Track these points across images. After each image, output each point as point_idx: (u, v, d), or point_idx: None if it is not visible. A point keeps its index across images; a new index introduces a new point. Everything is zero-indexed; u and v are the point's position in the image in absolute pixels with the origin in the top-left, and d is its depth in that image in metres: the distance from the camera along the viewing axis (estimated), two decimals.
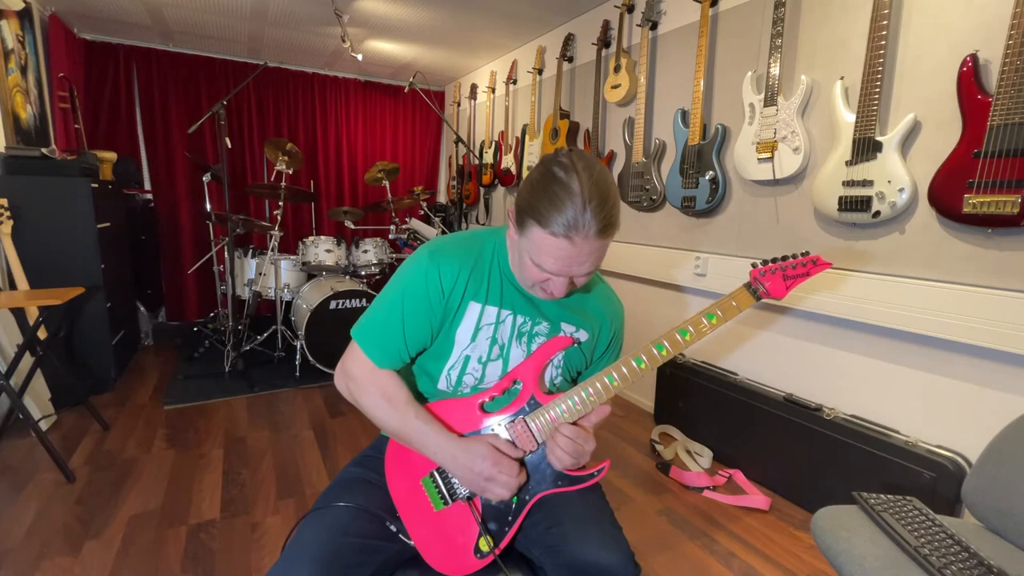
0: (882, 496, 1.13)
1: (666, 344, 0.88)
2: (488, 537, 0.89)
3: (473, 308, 0.94)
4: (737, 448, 2.17)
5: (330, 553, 0.81)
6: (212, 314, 3.97)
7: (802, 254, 0.89)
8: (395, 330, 0.93)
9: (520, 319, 0.96)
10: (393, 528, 0.91)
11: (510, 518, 0.91)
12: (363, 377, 0.94)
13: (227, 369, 3.09)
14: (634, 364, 0.87)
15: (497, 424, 0.92)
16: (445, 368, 0.96)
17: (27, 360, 2.22)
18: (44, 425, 2.26)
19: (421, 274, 0.91)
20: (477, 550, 0.89)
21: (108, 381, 2.81)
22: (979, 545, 0.98)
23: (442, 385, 0.97)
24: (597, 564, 0.84)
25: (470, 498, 0.91)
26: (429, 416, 0.92)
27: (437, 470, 0.94)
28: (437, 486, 0.93)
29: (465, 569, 0.89)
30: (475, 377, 0.96)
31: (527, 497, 0.91)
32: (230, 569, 1.55)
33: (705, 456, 2.23)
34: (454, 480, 0.92)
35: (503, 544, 0.90)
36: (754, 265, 0.92)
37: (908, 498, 1.13)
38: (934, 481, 1.55)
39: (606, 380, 0.88)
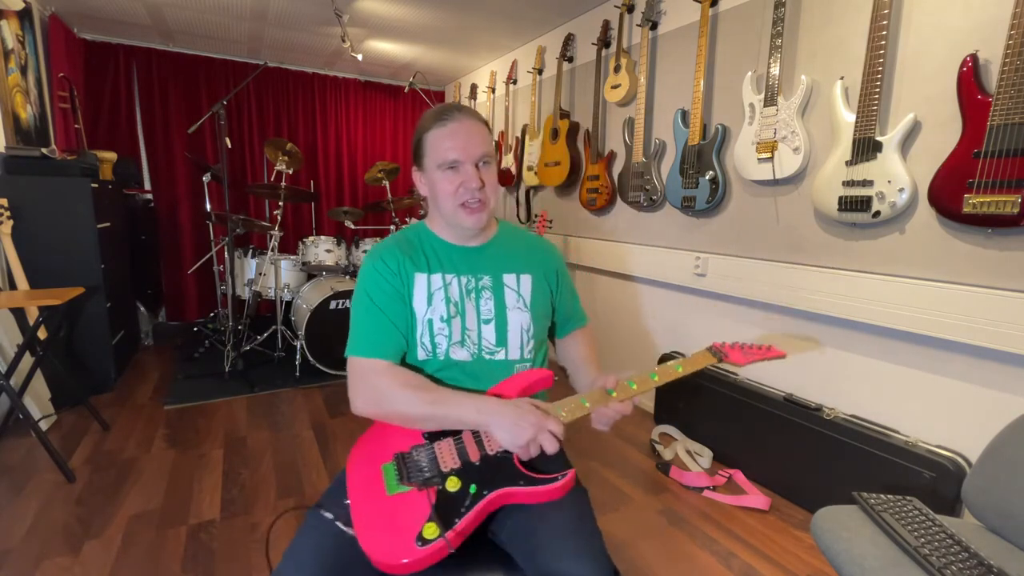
0: (882, 496, 1.13)
1: (636, 381, 1.00)
2: (438, 524, 0.84)
3: (419, 279, 1.05)
4: (737, 448, 2.17)
5: (329, 558, 0.83)
6: (212, 314, 3.97)
7: (759, 345, 1.15)
8: (381, 320, 1.01)
9: (464, 279, 1.07)
10: (329, 515, 0.91)
11: (463, 509, 0.87)
12: (381, 382, 0.98)
13: (227, 369, 3.09)
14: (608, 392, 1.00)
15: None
16: (417, 338, 1.03)
17: (27, 360, 2.22)
18: (44, 425, 2.26)
19: (372, 270, 1.05)
20: (420, 537, 0.83)
21: (108, 381, 2.81)
22: (979, 545, 0.98)
23: (421, 355, 1.04)
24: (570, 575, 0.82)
25: (427, 483, 0.89)
26: (451, 390, 1.00)
27: (402, 454, 0.95)
28: (398, 469, 0.93)
29: (400, 556, 0.82)
30: (444, 336, 1.04)
31: (485, 492, 0.89)
32: (230, 569, 1.55)
33: (705, 456, 2.23)
34: (422, 464, 0.93)
35: (453, 536, 0.84)
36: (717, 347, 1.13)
37: (908, 498, 1.13)
38: (934, 481, 1.55)
39: (580, 401, 0.98)
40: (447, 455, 0.94)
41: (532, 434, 0.89)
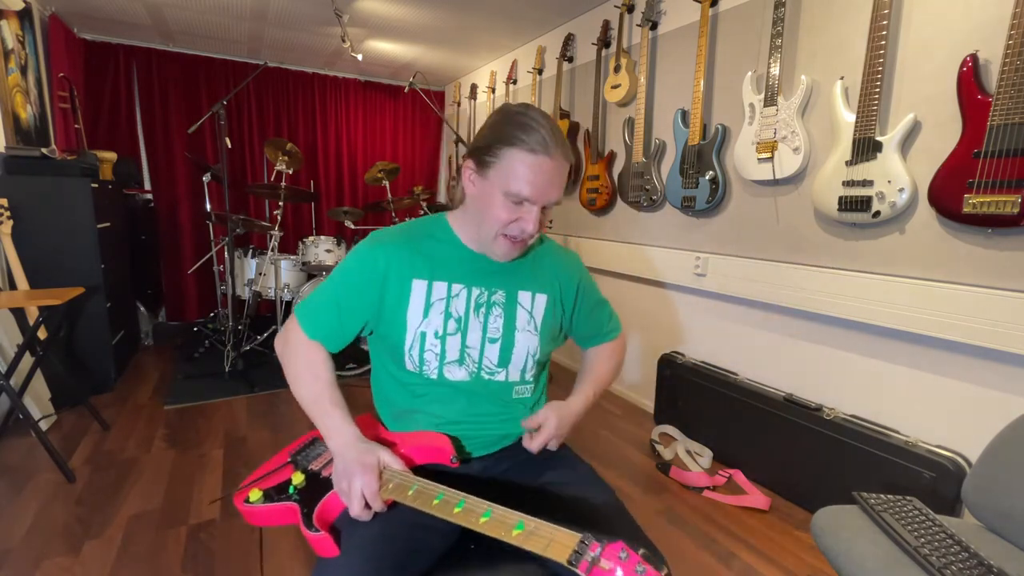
0: (882, 496, 1.13)
1: (493, 517, 0.72)
2: (259, 492, 0.91)
3: (418, 286, 0.96)
4: (737, 448, 2.17)
5: (381, 547, 0.80)
6: (212, 314, 3.96)
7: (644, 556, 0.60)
8: (328, 305, 0.97)
9: (476, 291, 0.98)
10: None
11: (276, 497, 0.90)
12: (296, 344, 0.98)
13: (227, 369, 3.09)
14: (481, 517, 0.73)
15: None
16: (405, 349, 0.96)
17: (27, 360, 2.22)
18: (44, 425, 2.26)
19: (359, 257, 0.97)
20: (247, 499, 0.91)
21: (108, 381, 2.81)
22: (979, 545, 0.98)
23: (409, 366, 0.97)
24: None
25: (296, 464, 0.97)
26: (343, 403, 0.93)
27: (318, 440, 1.02)
28: (305, 447, 1.02)
29: (238, 499, 0.91)
30: (435, 353, 0.96)
31: (297, 497, 0.90)
32: (230, 569, 1.55)
33: (705, 456, 2.23)
34: (312, 454, 0.99)
35: (243, 505, 0.89)
36: (597, 539, 0.63)
37: (908, 498, 1.13)
38: (934, 481, 1.54)
39: (408, 488, 0.82)
40: (325, 458, 0.97)
41: (344, 486, 0.82)
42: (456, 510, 0.75)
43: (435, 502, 0.77)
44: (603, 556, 0.61)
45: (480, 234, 0.94)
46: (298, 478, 0.92)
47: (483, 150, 0.89)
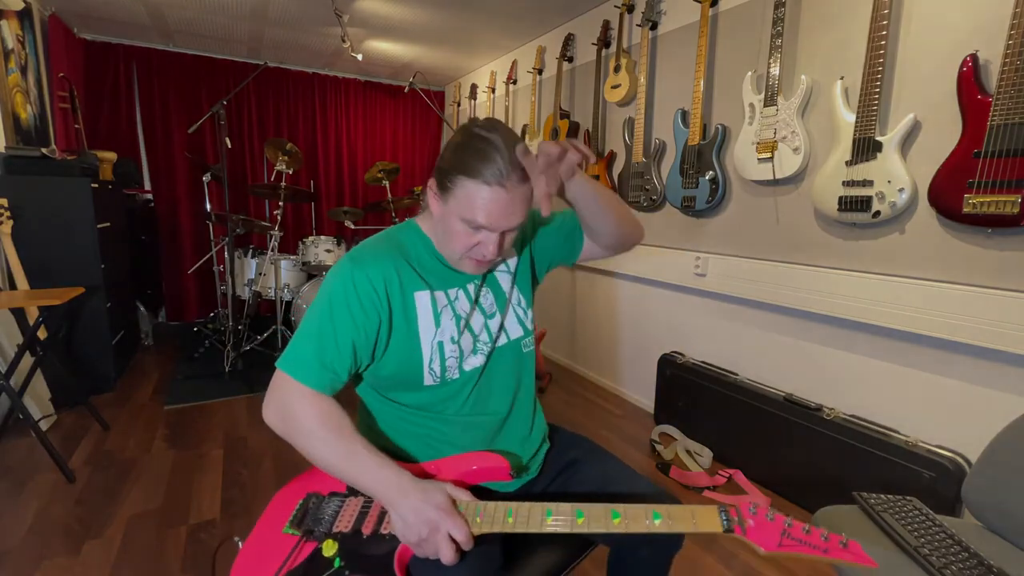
0: (882, 496, 1.13)
1: (587, 514, 0.76)
2: None
3: (421, 298, 0.92)
4: (737, 448, 2.17)
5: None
6: (212, 314, 3.97)
7: (832, 536, 0.67)
8: (321, 346, 0.84)
9: (471, 286, 0.98)
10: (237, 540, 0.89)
11: None
12: (301, 409, 0.83)
13: (227, 369, 3.09)
14: (571, 516, 0.77)
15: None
16: (425, 366, 0.91)
17: (27, 360, 2.22)
18: (44, 425, 2.26)
19: (347, 282, 0.86)
20: None
21: (108, 381, 2.81)
22: (979, 545, 0.98)
23: (428, 381, 0.92)
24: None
25: (310, 535, 0.82)
26: (380, 453, 0.82)
27: (315, 496, 0.88)
28: (299, 510, 0.87)
29: None
30: (455, 358, 0.94)
31: (346, 572, 0.78)
32: (230, 569, 1.55)
33: (705, 456, 2.23)
34: (323, 514, 0.85)
35: None
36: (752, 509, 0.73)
37: (908, 498, 1.13)
38: (934, 481, 1.54)
39: (506, 514, 0.79)
40: (347, 515, 0.85)
41: (425, 534, 0.75)
42: (579, 520, 0.75)
43: (548, 520, 0.75)
44: (745, 515, 0.72)
45: (447, 257, 0.94)
46: (330, 548, 0.80)
47: (444, 173, 0.86)
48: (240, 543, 0.87)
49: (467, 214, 0.84)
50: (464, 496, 0.80)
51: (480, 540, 0.77)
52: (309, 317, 0.88)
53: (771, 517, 0.71)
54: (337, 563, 0.79)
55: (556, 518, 0.75)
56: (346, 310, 0.85)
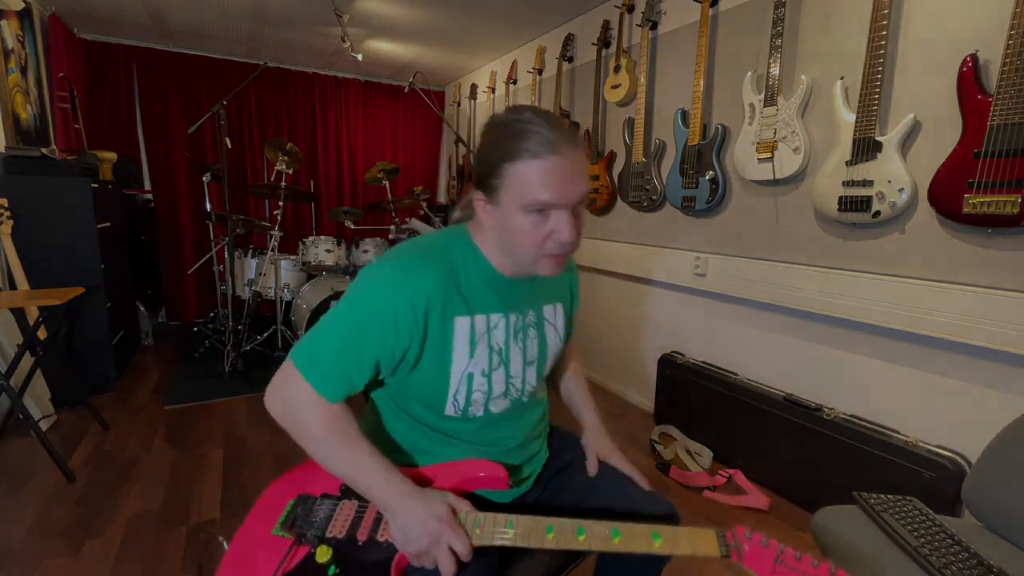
0: (882, 496, 1.13)
1: (588, 532, 0.76)
2: None
3: (461, 324, 0.83)
4: (737, 448, 2.17)
5: None
6: (212, 314, 3.97)
7: (822, 564, 0.69)
8: (344, 354, 0.79)
9: (513, 317, 0.89)
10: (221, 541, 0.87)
11: None
12: (309, 415, 0.79)
13: (227, 369, 3.09)
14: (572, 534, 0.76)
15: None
16: (450, 396, 0.85)
17: (27, 360, 2.22)
18: (44, 425, 2.26)
19: (388, 294, 0.78)
20: None
21: (108, 381, 2.81)
22: (979, 545, 0.98)
23: (449, 411, 0.87)
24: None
25: (302, 539, 0.80)
26: (385, 459, 0.80)
27: (307, 498, 0.86)
28: (291, 511, 0.85)
29: None
30: (483, 392, 0.87)
31: None
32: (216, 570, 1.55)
33: (705, 456, 2.23)
34: (315, 517, 0.83)
35: None
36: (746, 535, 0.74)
37: (908, 498, 1.13)
38: (934, 481, 1.54)
39: (507, 525, 0.78)
40: (342, 519, 0.82)
41: (425, 545, 0.74)
42: (580, 537, 0.74)
43: (549, 536, 0.74)
44: (741, 540, 0.73)
45: (517, 263, 0.85)
46: (324, 553, 0.79)
47: (486, 174, 0.79)
48: (226, 544, 0.85)
49: (527, 198, 0.75)
50: (464, 506, 0.79)
51: (479, 550, 0.76)
52: (338, 316, 0.81)
53: (765, 543, 0.72)
54: (332, 571, 0.77)
55: (557, 535, 0.75)
56: (378, 327, 0.78)
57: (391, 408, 0.93)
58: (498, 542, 0.75)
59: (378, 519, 0.82)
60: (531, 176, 0.75)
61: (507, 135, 0.77)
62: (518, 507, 0.95)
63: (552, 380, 1.14)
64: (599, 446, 1.02)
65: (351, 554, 0.79)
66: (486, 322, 0.86)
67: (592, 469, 0.99)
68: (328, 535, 0.80)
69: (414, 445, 0.92)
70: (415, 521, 0.75)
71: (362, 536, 0.80)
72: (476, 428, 0.91)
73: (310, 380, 0.78)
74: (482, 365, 0.86)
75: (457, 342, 0.83)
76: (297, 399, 0.80)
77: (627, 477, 0.98)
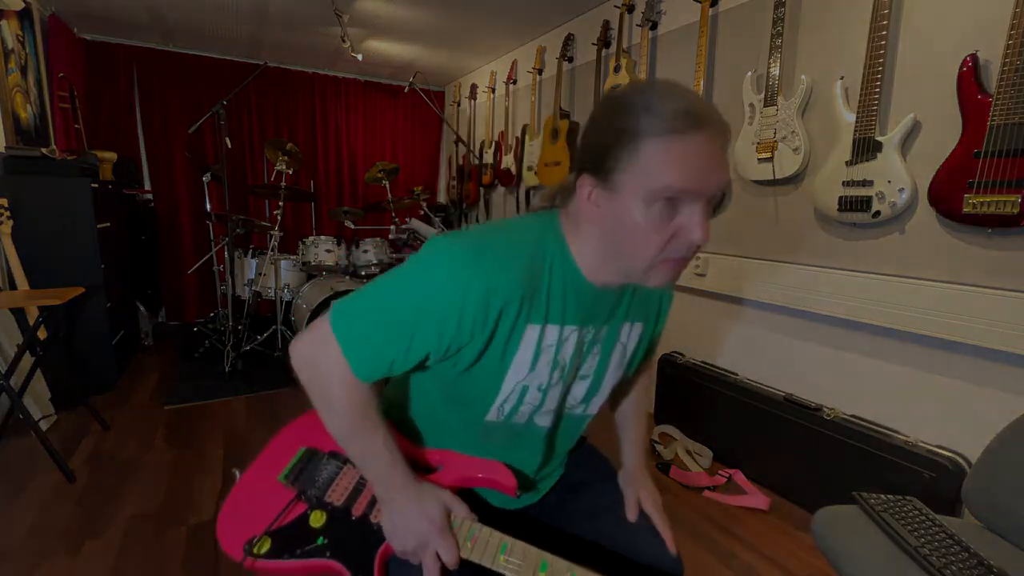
0: (882, 496, 1.13)
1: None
2: (272, 544, 0.77)
3: (531, 332, 0.73)
4: (737, 448, 2.17)
5: None
6: (212, 314, 3.97)
7: None
8: (395, 337, 0.69)
9: (585, 331, 0.77)
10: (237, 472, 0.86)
11: (297, 551, 0.76)
12: (337, 390, 0.71)
13: (227, 369, 3.09)
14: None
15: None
16: (497, 402, 0.78)
17: (27, 360, 2.22)
18: (44, 425, 2.26)
19: (460, 286, 0.66)
20: (250, 542, 0.77)
21: (108, 381, 2.81)
22: (979, 545, 0.98)
23: (492, 417, 0.80)
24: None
25: (303, 495, 0.81)
26: (395, 445, 0.75)
27: (315, 452, 0.85)
28: (297, 463, 0.84)
29: (227, 544, 0.78)
30: (533, 406, 0.79)
31: (328, 552, 0.77)
32: (230, 569, 1.55)
33: (705, 456, 2.23)
34: (318, 475, 0.82)
35: (265, 565, 0.76)
36: None
37: (908, 498, 1.13)
38: (934, 481, 1.54)
39: (499, 549, 0.73)
40: (342, 485, 0.81)
41: (411, 547, 0.72)
42: None
43: (542, 574, 0.68)
44: None
45: (621, 269, 0.71)
46: (318, 519, 0.78)
47: (602, 156, 0.63)
48: (238, 475, 0.86)
49: (658, 181, 0.60)
50: (462, 511, 0.74)
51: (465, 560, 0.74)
52: (396, 291, 0.69)
53: None
54: (320, 541, 0.76)
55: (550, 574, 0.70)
56: (439, 319, 0.67)
57: (421, 394, 0.86)
58: (487, 563, 0.71)
59: (374, 499, 0.82)
60: (666, 155, 0.59)
61: (634, 107, 0.61)
62: (519, 516, 0.93)
63: (614, 396, 1.02)
64: (643, 493, 0.93)
65: (342, 529, 0.78)
66: (558, 334, 0.75)
67: (632, 515, 0.91)
68: (327, 499, 0.80)
69: (434, 431, 0.87)
70: (406, 520, 0.73)
71: (357, 511, 0.79)
72: (510, 435, 0.84)
73: (348, 356, 0.69)
74: (540, 379, 0.76)
75: (522, 351, 0.73)
76: (327, 370, 0.71)
77: (646, 529, 0.90)
